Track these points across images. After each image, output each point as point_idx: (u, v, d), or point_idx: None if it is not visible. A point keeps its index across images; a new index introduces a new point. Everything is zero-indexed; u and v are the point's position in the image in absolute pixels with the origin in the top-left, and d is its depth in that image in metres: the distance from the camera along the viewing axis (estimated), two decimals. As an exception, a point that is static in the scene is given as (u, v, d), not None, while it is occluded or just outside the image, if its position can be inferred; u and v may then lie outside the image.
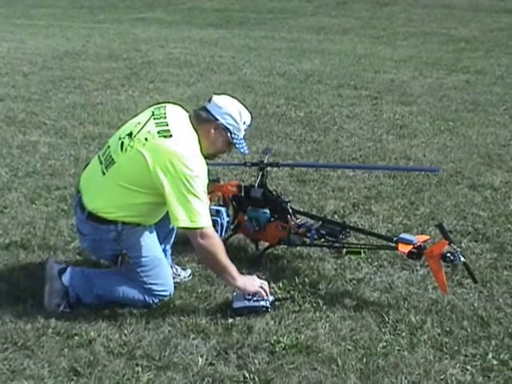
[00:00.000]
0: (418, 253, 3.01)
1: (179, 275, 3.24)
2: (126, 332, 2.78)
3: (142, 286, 2.95)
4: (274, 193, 3.47)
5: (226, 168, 4.78)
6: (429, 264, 3.04)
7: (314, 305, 3.03)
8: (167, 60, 9.75)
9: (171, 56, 10.08)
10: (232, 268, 2.87)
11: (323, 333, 2.80)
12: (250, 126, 3.03)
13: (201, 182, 2.75)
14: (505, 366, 2.60)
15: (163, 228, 3.11)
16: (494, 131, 6.03)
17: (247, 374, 2.53)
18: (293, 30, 13.49)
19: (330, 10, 16.91)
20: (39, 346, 2.69)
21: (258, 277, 3.05)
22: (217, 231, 3.10)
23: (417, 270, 3.36)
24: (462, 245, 3.63)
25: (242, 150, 3.00)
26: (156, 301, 2.98)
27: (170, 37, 12.19)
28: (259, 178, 3.44)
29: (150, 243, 2.96)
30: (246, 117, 2.97)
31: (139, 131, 2.84)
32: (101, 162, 2.94)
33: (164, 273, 3.00)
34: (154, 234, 3.01)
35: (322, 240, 3.35)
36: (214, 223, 3.10)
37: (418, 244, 3.02)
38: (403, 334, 2.80)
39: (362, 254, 3.39)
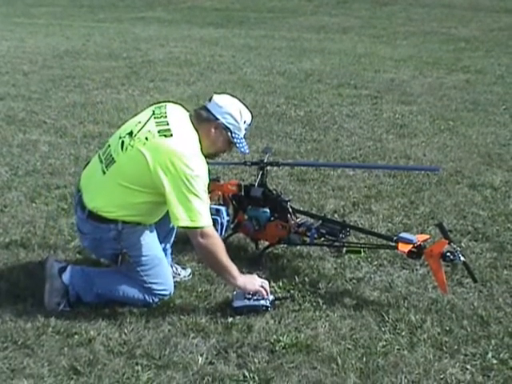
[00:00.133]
0: (417, 252, 3.01)
1: (179, 274, 3.25)
2: (125, 331, 2.79)
3: (142, 285, 2.95)
4: (274, 192, 3.47)
5: (226, 167, 4.78)
6: (428, 263, 3.04)
7: (314, 304, 3.03)
8: (167, 59, 9.75)
9: (171, 55, 10.08)
10: (232, 267, 2.87)
11: (323, 332, 2.80)
12: (250, 125, 3.03)
13: (201, 182, 2.75)
14: (504, 365, 2.61)
15: (163, 227, 3.11)
16: (494, 131, 6.03)
17: (247, 373, 2.53)
18: (293, 29, 13.50)
19: (330, 9, 16.92)
20: (39, 345, 2.69)
21: (258, 276, 3.05)
22: (217, 230, 3.10)
23: (417, 270, 3.37)
24: (462, 244, 3.63)
25: (242, 150, 3.00)
26: (156, 300, 2.98)
27: (171, 36, 12.19)
28: (259, 177, 3.44)
29: (150, 242, 2.96)
30: (247, 116, 2.97)
31: (140, 130, 2.84)
32: (101, 161, 2.94)
33: (164, 272, 3.00)
34: (154, 233, 3.01)
35: (322, 239, 3.36)
36: (214, 222, 3.10)
37: (418, 243, 3.02)
38: (403, 334, 2.80)
39: (362, 254, 3.40)
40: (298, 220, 3.40)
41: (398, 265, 3.43)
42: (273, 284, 3.16)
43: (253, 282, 2.95)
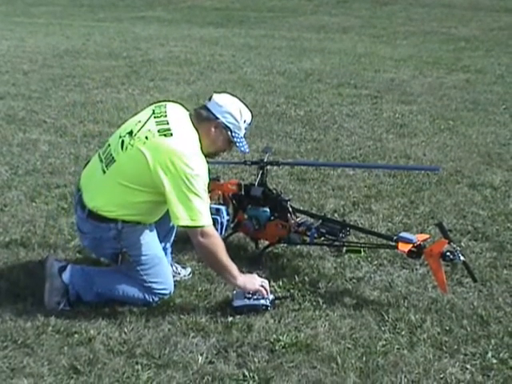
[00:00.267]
0: (417, 252, 3.01)
1: (179, 273, 3.25)
2: (125, 330, 2.79)
3: (142, 285, 2.95)
4: (274, 191, 3.47)
5: (226, 166, 4.78)
6: (428, 263, 3.04)
7: (314, 303, 3.03)
8: (167, 58, 9.75)
9: (171, 54, 10.08)
10: (232, 267, 2.87)
11: (323, 331, 2.80)
12: (250, 124, 3.03)
13: (201, 181, 2.75)
14: (504, 364, 2.61)
15: (163, 226, 3.11)
16: (494, 130, 6.03)
17: (247, 373, 2.53)
18: (293, 28, 13.49)
19: (330, 9, 16.92)
20: (39, 344, 2.69)
21: (258, 275, 3.05)
22: (217, 230, 3.10)
23: (416, 269, 3.37)
24: (462, 244, 3.63)
25: (242, 149, 3.00)
26: (156, 299, 2.98)
27: (171, 35, 12.19)
28: (259, 176, 3.44)
29: (150, 242, 2.96)
30: (247, 115, 2.97)
31: (140, 130, 2.84)
32: (101, 161, 2.94)
33: (164, 271, 3.00)
34: (154, 233, 3.01)
35: (322, 239, 3.36)
36: (214, 222, 3.10)
37: (418, 243, 3.02)
38: (403, 333, 2.80)
39: (362, 253, 3.40)
40: (297, 219, 3.40)
41: (398, 264, 3.43)
42: (273, 283, 3.16)
43: (253, 281, 2.95)
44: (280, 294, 3.09)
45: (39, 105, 6.84)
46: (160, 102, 3.06)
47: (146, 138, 2.79)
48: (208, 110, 2.91)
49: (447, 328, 2.84)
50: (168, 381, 2.50)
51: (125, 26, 13.68)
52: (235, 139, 2.96)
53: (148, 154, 2.75)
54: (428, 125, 6.22)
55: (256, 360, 2.60)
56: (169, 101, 3.07)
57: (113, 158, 2.87)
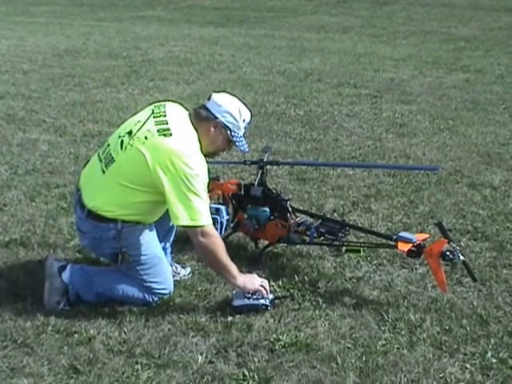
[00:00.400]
0: (417, 251, 3.01)
1: (179, 273, 3.25)
2: (125, 330, 2.79)
3: (142, 284, 2.95)
4: (274, 191, 3.47)
5: (225, 166, 4.78)
6: (428, 262, 3.04)
7: (314, 303, 3.03)
8: (167, 58, 9.74)
9: (171, 54, 10.08)
10: (232, 267, 2.87)
11: (323, 331, 2.80)
12: (249, 123, 3.03)
13: (201, 181, 2.75)
14: (504, 364, 2.61)
15: (163, 226, 3.11)
16: (494, 130, 6.03)
17: (247, 372, 2.53)
18: (293, 28, 13.49)
19: (330, 9, 16.92)
20: (39, 344, 2.69)
21: (258, 275, 3.05)
22: (216, 229, 3.10)
23: (416, 269, 3.37)
24: (462, 243, 3.63)
25: (241, 148, 3.00)
26: (156, 299, 2.98)
27: (170, 35, 12.19)
28: (259, 176, 3.44)
29: (150, 241, 2.96)
30: (246, 115, 2.97)
31: (139, 130, 2.84)
32: (100, 161, 2.94)
33: (164, 271, 3.00)
34: (154, 232, 3.01)
35: (322, 238, 3.36)
36: (214, 221, 3.10)
37: (418, 242, 3.02)
38: (402, 333, 2.80)
39: (362, 253, 3.40)
40: (297, 219, 3.40)
41: (398, 264, 3.43)
42: (272, 283, 3.16)
43: (252, 281, 2.95)
44: (280, 294, 3.09)
45: (39, 104, 6.84)
46: (159, 101, 3.06)
47: (146, 137, 2.79)
48: (207, 109, 2.91)
49: (447, 327, 2.84)
50: (168, 380, 2.50)
51: (125, 25, 13.68)
52: (234, 138, 2.96)
53: (147, 153, 2.74)
54: (427, 124, 6.22)
55: (256, 360, 2.60)
56: (168, 100, 3.07)
57: (112, 157, 2.87)
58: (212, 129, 2.91)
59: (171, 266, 3.22)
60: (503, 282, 3.26)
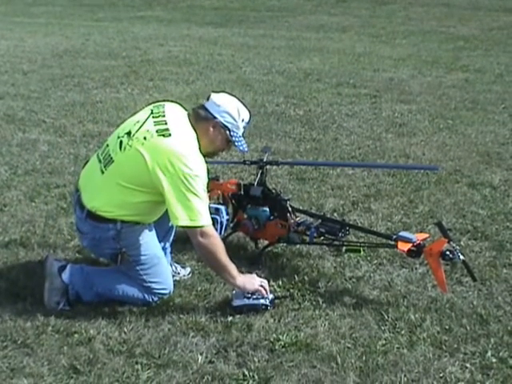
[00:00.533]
0: (417, 251, 3.01)
1: (179, 273, 3.25)
2: (125, 330, 2.79)
3: (142, 285, 2.95)
4: (274, 191, 3.47)
5: (225, 166, 4.78)
6: (428, 262, 3.04)
7: (314, 303, 3.03)
8: (166, 58, 9.74)
9: (170, 54, 10.08)
10: (232, 267, 2.87)
11: (323, 331, 2.80)
12: (248, 123, 3.03)
13: (200, 181, 2.75)
14: (504, 363, 2.61)
15: (163, 226, 3.11)
16: (493, 129, 6.03)
17: (247, 372, 2.53)
18: (292, 28, 13.49)
19: (329, 9, 16.90)
20: (39, 344, 2.69)
21: (258, 275, 3.06)
22: (216, 229, 3.10)
23: (416, 268, 3.37)
24: (461, 243, 3.63)
25: (241, 148, 3.00)
26: (155, 299, 2.98)
27: (170, 35, 12.18)
28: (259, 176, 3.44)
29: (149, 241, 2.96)
30: (245, 114, 2.97)
31: (138, 130, 2.84)
32: (100, 161, 2.94)
33: (163, 271, 3.00)
34: (153, 232, 3.01)
35: (322, 238, 3.36)
36: (214, 221, 3.10)
37: (418, 242, 3.02)
38: (402, 332, 2.80)
39: (362, 252, 3.40)
40: (297, 219, 3.40)
41: (398, 264, 3.43)
42: (272, 283, 3.16)
43: (252, 281, 2.95)
44: (280, 294, 3.09)
45: (38, 105, 6.84)
46: (158, 101, 3.06)
47: (145, 138, 2.79)
48: (206, 109, 2.91)
49: (447, 327, 2.84)
50: (168, 380, 2.50)
51: (124, 25, 13.67)
52: (234, 138, 2.96)
53: (146, 154, 2.74)
54: (427, 124, 6.22)
55: (256, 359, 2.60)
56: (167, 101, 3.07)
57: (111, 158, 2.87)
58: (211, 129, 2.91)
59: (171, 265, 3.22)
60: (503, 281, 3.27)
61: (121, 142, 2.85)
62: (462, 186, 4.57)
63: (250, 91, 7.55)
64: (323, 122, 6.27)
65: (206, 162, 2.87)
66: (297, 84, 8.01)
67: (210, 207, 2.86)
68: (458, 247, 2.98)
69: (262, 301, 2.92)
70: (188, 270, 3.30)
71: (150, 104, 3.03)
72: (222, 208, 3.38)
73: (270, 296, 2.95)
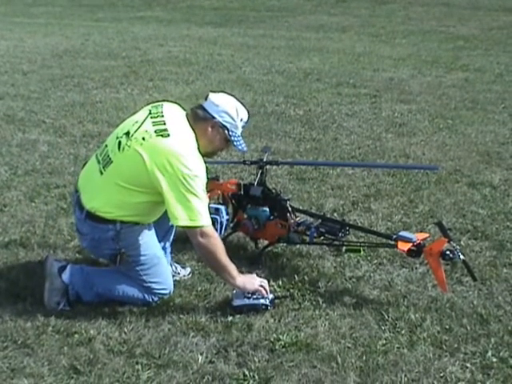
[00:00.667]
0: (417, 251, 3.01)
1: (179, 273, 3.24)
2: (125, 330, 2.79)
3: (142, 285, 2.95)
4: (274, 191, 3.47)
5: (225, 166, 4.78)
6: (428, 262, 3.04)
7: (314, 303, 3.03)
8: (166, 58, 9.74)
9: (170, 54, 10.08)
10: (231, 267, 2.87)
11: (323, 331, 2.80)
12: (247, 122, 3.03)
13: (200, 181, 2.75)
14: (504, 363, 2.61)
15: (162, 226, 3.11)
16: (493, 129, 6.03)
17: (247, 372, 2.53)
18: (292, 28, 13.49)
19: (329, 8, 16.91)
20: (39, 344, 2.69)
21: (258, 275, 3.06)
22: (216, 229, 3.10)
23: (416, 268, 3.37)
24: (462, 243, 3.63)
25: (239, 148, 3.00)
26: (155, 299, 2.98)
27: (169, 35, 12.18)
28: (258, 176, 3.43)
29: (149, 241, 2.96)
30: (243, 114, 2.96)
31: (136, 130, 2.84)
32: (98, 162, 2.93)
33: (163, 271, 3.00)
34: (153, 232, 3.01)
35: (322, 238, 3.36)
36: (214, 221, 3.10)
37: (418, 242, 3.02)
38: (403, 332, 2.80)
39: (362, 252, 3.40)
40: (297, 219, 3.40)
41: (398, 263, 3.43)
42: (272, 283, 3.16)
43: (252, 281, 2.94)
44: (280, 294, 3.09)
45: (38, 105, 6.84)
46: (157, 101, 3.06)
47: (143, 138, 2.78)
48: (204, 109, 2.91)
49: (447, 327, 2.84)
50: (168, 380, 2.50)
51: (124, 25, 13.68)
52: (232, 138, 2.95)
53: (145, 154, 2.74)
54: (427, 124, 6.22)
55: (256, 359, 2.60)
56: (166, 101, 3.07)
57: (110, 158, 2.86)
58: (209, 129, 2.90)
59: (171, 266, 3.22)
60: (503, 281, 3.26)
61: (119, 143, 2.85)
62: (461, 185, 4.57)
63: (250, 91, 7.55)
64: (323, 122, 6.27)
65: (206, 162, 2.87)
66: (297, 84, 8.01)
67: (209, 207, 2.87)
68: (458, 247, 2.98)
69: (262, 301, 2.92)
70: (188, 270, 3.30)
71: (149, 104, 3.03)
72: (222, 208, 3.38)
73: (270, 296, 2.95)
